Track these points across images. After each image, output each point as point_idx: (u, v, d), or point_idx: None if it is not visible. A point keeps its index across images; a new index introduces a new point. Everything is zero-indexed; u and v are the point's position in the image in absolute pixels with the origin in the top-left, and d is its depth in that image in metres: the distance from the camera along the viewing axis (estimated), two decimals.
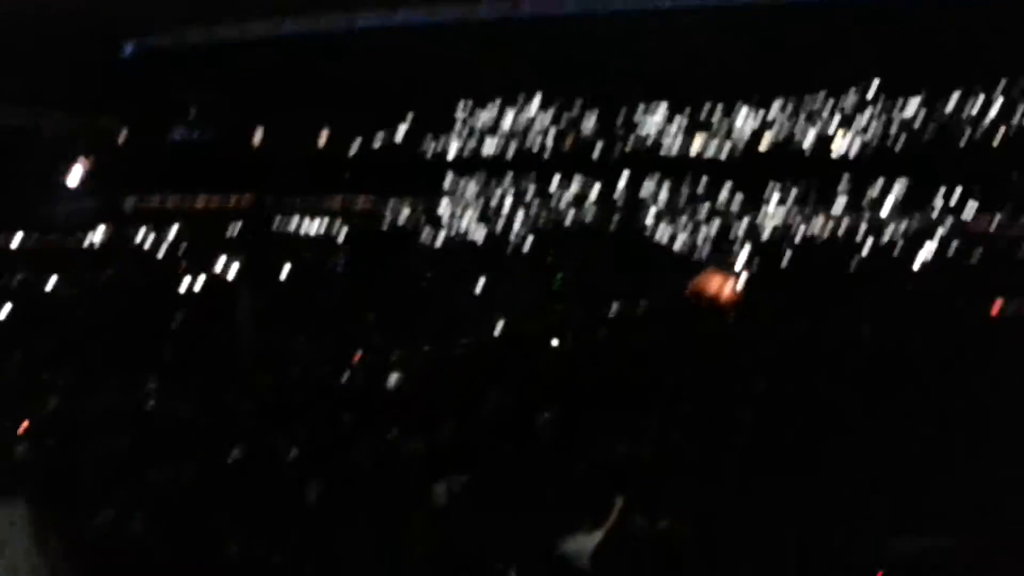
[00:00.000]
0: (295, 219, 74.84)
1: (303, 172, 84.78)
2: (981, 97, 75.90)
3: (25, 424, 21.07)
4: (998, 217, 68.71)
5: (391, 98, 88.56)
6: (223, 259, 52.59)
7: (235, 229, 67.88)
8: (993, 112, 74.22)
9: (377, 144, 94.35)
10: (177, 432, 21.06)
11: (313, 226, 73.39)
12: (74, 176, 73.38)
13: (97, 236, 66.79)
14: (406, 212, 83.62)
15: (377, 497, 17.35)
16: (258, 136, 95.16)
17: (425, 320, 33.83)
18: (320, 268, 52.08)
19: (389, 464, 19.06)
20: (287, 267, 50.55)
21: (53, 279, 44.66)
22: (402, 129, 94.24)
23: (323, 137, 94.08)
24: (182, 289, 43.36)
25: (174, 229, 69.85)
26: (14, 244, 59.38)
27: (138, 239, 67.38)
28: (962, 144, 74.62)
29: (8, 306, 36.08)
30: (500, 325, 34.59)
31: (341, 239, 64.11)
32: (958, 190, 70.92)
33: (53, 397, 23.63)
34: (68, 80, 70.39)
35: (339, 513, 16.93)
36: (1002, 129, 74.07)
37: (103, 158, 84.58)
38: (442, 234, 69.65)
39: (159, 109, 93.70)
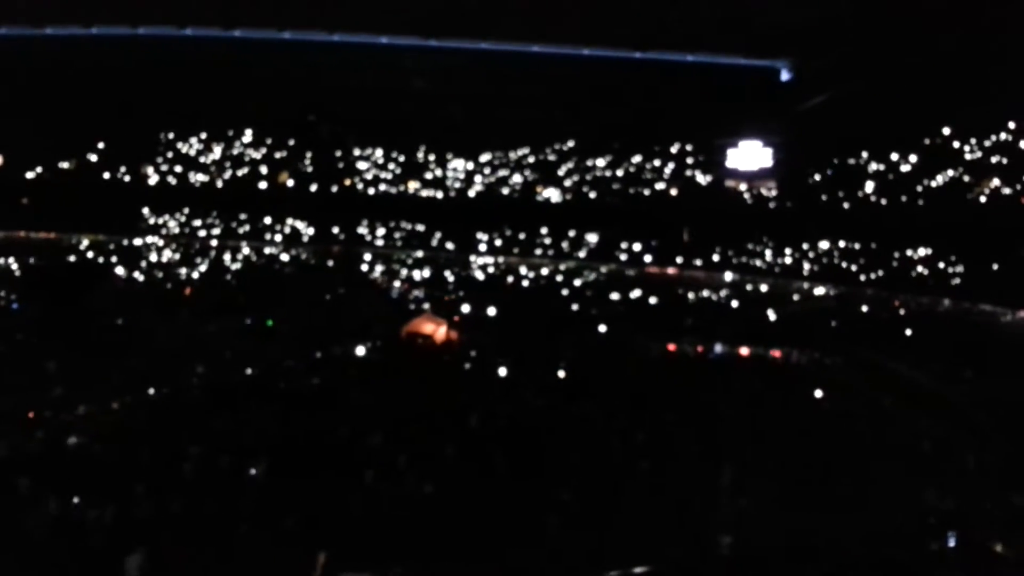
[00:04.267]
0: None
1: None
2: (658, 160, 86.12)
3: None
4: (674, 265, 78.03)
5: (81, 120, 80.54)
6: None
7: None
8: (667, 173, 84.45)
9: (62, 171, 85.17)
10: None
11: None
12: None
13: None
14: (94, 247, 75.95)
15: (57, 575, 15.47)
16: None
17: (115, 369, 30.71)
18: None
19: (71, 536, 17.07)
20: None
21: None
22: (93, 155, 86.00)
23: None
24: None
25: None
26: None
27: None
28: (643, 200, 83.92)
29: None
30: (202, 372, 32.44)
31: (16, 276, 56.40)
32: (640, 241, 79.58)
33: None
34: None
35: None
36: (675, 189, 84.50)
37: None
38: (136, 272, 63.93)
39: None
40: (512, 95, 75.98)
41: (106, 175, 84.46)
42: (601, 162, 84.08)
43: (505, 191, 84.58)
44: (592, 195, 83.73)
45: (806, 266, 76.84)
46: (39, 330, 38.23)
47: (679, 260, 77.79)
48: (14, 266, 61.69)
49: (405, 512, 18.68)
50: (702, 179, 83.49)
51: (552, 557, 16.85)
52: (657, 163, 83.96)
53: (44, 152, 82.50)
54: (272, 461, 20.91)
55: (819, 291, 70.73)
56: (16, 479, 19.28)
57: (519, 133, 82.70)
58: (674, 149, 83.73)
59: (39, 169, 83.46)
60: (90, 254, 73.03)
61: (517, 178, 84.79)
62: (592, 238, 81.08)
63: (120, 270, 63.89)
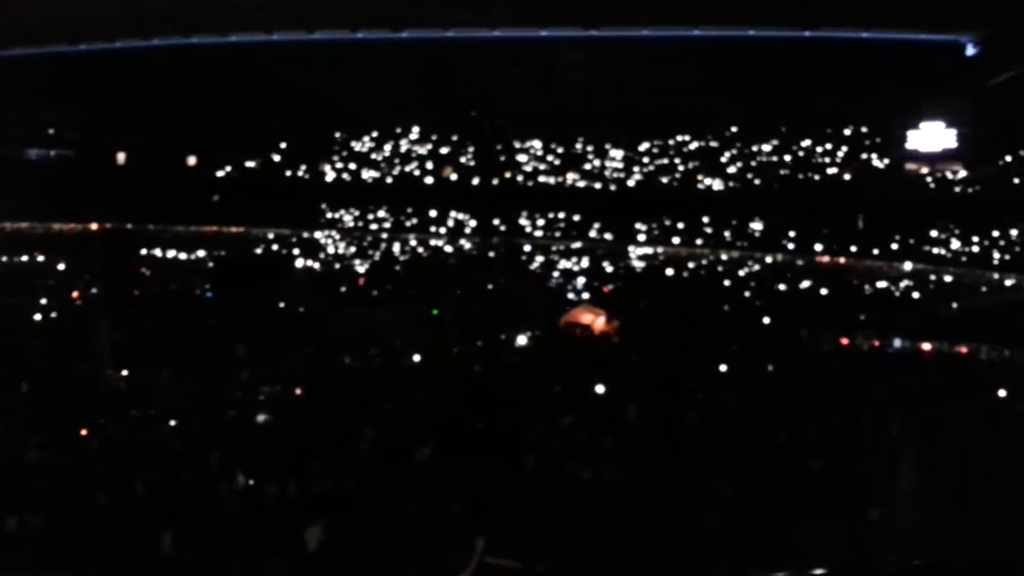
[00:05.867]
0: (159, 245, 71.45)
1: (168, 196, 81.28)
2: (829, 144, 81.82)
3: None
4: (847, 255, 74.01)
5: (265, 123, 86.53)
6: (80, 288, 49.63)
7: (94, 255, 63.88)
8: (840, 157, 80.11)
9: (248, 170, 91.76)
10: (26, 478, 19.61)
11: (179, 253, 70.21)
12: None
13: None
14: (278, 240, 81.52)
15: (245, 543, 16.76)
16: (121, 158, 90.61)
17: (297, 354, 32.88)
18: (185, 298, 49.57)
19: (258, 508, 18.55)
20: (149, 297, 48.21)
21: None
22: (276, 155, 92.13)
23: (191, 160, 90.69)
24: (35, 320, 40.47)
25: (27, 255, 65.46)
26: None
27: None
28: (813, 186, 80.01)
29: None
30: (374, 358, 34.16)
31: (208, 267, 61.37)
32: (810, 230, 75.93)
33: None
34: None
35: (201, 563, 16.23)
36: (847, 174, 79.94)
37: None
38: (316, 263, 68.13)
39: (15, 126, 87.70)
40: (671, 81, 74.54)
41: (288, 173, 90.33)
42: (767, 147, 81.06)
43: (664, 180, 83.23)
44: (757, 182, 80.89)
45: (995, 255, 70.98)
46: (229, 317, 41.51)
47: (853, 249, 73.77)
48: (206, 258, 67.10)
49: (563, 498, 18.96)
50: (879, 163, 78.85)
51: (710, 552, 16.57)
52: (828, 147, 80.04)
53: (232, 152, 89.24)
54: (437, 444, 21.77)
55: (1010, 282, 65.27)
56: (209, 453, 21.19)
57: (679, 120, 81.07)
58: (847, 132, 79.48)
59: (228, 168, 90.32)
60: (274, 247, 78.47)
61: (677, 166, 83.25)
62: (756, 226, 78.38)
63: (301, 262, 68.13)
